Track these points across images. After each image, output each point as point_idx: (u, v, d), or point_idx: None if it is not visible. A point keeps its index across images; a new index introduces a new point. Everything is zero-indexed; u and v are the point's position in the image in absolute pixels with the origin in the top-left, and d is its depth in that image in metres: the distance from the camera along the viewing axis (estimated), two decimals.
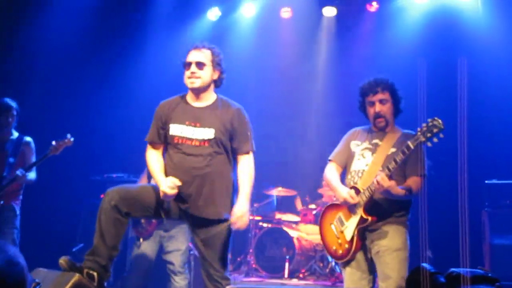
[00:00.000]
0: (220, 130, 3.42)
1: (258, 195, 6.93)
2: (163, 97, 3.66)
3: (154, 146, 3.56)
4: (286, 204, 7.17)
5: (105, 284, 3.33)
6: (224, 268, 3.42)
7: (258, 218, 6.83)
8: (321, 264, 6.35)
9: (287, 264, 6.24)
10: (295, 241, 6.41)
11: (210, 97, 3.53)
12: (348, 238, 3.45)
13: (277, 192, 6.92)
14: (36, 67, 6.40)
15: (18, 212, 4.87)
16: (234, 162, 3.54)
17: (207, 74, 3.48)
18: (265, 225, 6.75)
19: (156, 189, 3.39)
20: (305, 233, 6.61)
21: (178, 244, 4.95)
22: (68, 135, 4.72)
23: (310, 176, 6.72)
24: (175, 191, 3.30)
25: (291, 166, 7.42)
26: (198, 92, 3.50)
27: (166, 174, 3.43)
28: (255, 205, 6.76)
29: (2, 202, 4.73)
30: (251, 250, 6.45)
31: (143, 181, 5.05)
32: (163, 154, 3.57)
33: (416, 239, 3.24)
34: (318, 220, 3.83)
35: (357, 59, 7.06)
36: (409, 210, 3.53)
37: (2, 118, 4.88)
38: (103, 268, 3.25)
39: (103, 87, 6.74)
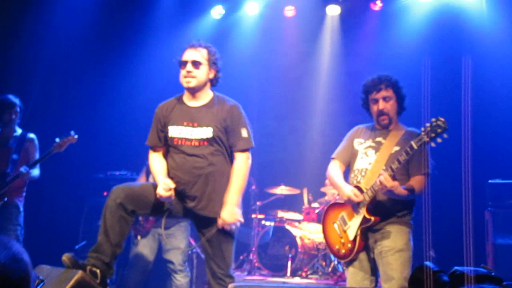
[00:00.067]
0: (218, 128, 3.41)
1: (260, 194, 6.94)
2: (167, 95, 3.66)
3: (156, 149, 3.57)
4: (289, 203, 7.16)
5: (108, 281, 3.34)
6: (229, 266, 3.42)
7: (261, 216, 6.83)
8: (324, 263, 6.35)
9: (289, 263, 6.23)
10: (298, 239, 6.41)
11: (206, 96, 3.52)
12: (351, 237, 3.43)
13: (280, 190, 6.92)
14: (40, 65, 6.40)
15: (21, 209, 4.87)
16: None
17: (203, 73, 3.46)
18: (268, 223, 6.75)
19: None
20: (307, 232, 6.61)
21: (177, 242, 4.95)
22: (72, 132, 4.73)
23: (313, 175, 6.72)
24: (169, 193, 3.31)
25: (294, 164, 7.42)
26: (194, 91, 3.48)
27: (169, 175, 3.44)
28: (258, 203, 6.77)
29: (5, 198, 4.74)
30: (253, 249, 6.46)
31: (141, 180, 5.06)
32: (166, 155, 3.57)
33: (420, 239, 3.24)
34: (321, 219, 3.81)
35: (361, 57, 7.05)
36: (413, 210, 3.50)
37: (5, 115, 4.89)
38: (106, 265, 3.24)
39: (106, 84, 6.76)
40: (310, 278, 6.19)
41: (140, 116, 5.83)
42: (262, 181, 6.98)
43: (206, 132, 3.40)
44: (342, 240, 3.49)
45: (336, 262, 6.13)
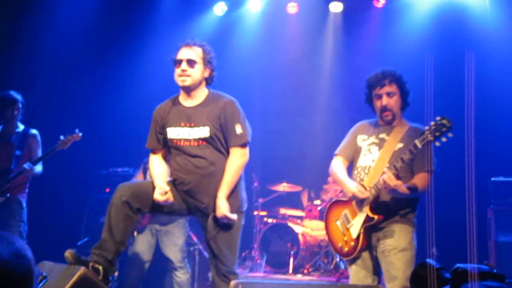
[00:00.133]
0: (214, 126, 3.39)
1: (263, 191, 6.94)
2: (169, 92, 3.65)
3: (156, 151, 3.57)
4: (291, 200, 7.17)
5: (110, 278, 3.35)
6: (233, 263, 3.42)
7: (263, 213, 6.83)
8: (326, 260, 6.35)
9: (291, 260, 6.24)
10: (300, 236, 6.41)
11: (201, 95, 3.50)
12: (354, 236, 3.41)
13: (282, 187, 6.92)
14: (43, 62, 6.41)
15: (24, 205, 4.89)
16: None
17: (197, 72, 3.44)
18: (270, 220, 6.76)
19: None
20: (310, 229, 6.61)
21: (175, 239, 4.96)
22: (77, 130, 4.75)
23: (315, 172, 6.71)
24: (165, 197, 3.31)
25: (297, 161, 7.41)
26: (189, 90, 3.47)
27: (173, 176, 3.46)
28: (260, 200, 6.77)
29: (8, 195, 4.75)
30: (255, 246, 6.46)
31: (139, 177, 5.07)
32: (168, 157, 3.57)
33: (423, 236, 3.22)
34: (323, 216, 3.80)
35: (364, 54, 7.04)
36: (417, 207, 3.47)
37: (7, 111, 4.90)
38: (109, 262, 3.24)
39: (109, 82, 6.76)
40: (312, 275, 6.20)
41: (142, 113, 5.81)
42: (264, 178, 6.98)
43: (204, 132, 3.39)
44: (345, 238, 3.48)
45: (338, 259, 6.13)
